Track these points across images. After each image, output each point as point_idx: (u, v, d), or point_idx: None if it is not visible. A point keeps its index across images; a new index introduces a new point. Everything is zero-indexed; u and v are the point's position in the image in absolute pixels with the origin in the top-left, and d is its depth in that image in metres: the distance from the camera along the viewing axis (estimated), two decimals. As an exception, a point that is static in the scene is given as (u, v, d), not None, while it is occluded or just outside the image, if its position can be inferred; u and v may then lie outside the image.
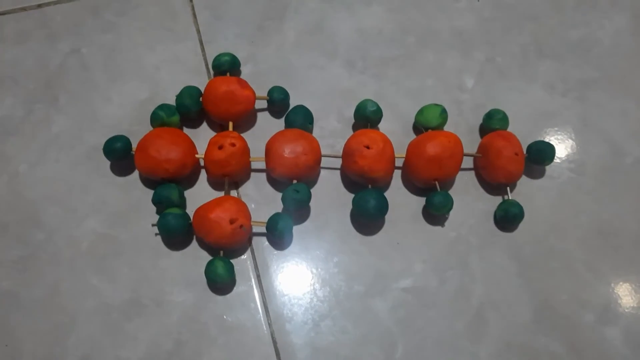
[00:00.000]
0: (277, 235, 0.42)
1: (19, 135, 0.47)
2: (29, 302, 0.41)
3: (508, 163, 0.43)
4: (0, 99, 0.48)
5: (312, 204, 0.44)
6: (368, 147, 0.42)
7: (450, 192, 0.45)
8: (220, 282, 0.41)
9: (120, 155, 0.43)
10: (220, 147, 0.42)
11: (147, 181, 0.45)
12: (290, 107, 0.47)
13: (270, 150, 0.43)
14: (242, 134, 0.45)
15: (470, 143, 0.47)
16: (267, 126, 0.47)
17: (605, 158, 0.47)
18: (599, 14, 0.53)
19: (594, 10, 0.53)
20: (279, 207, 0.44)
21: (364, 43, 0.51)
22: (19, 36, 0.50)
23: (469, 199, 0.45)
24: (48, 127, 0.47)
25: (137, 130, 0.46)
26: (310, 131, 0.47)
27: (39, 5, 0.52)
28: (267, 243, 0.44)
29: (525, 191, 0.46)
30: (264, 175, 0.46)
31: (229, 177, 0.44)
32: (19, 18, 0.51)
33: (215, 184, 0.45)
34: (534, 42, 0.51)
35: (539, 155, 0.44)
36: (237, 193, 0.45)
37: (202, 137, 0.46)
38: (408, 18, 0.52)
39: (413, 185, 0.45)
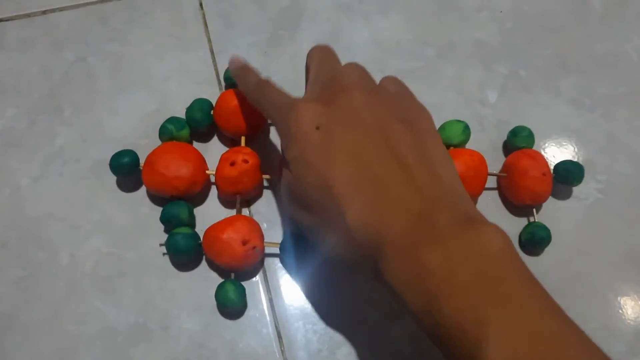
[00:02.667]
0: (291, 257, 0.40)
1: (21, 148, 0.45)
2: (29, 325, 0.39)
3: (535, 184, 0.41)
4: (2, 109, 0.46)
5: (327, 223, 0.41)
6: (388, 166, 0.40)
7: (473, 212, 0.43)
8: (231, 306, 0.38)
9: (127, 170, 0.41)
10: (232, 164, 0.40)
11: (155, 198, 0.43)
12: (305, 122, 0.45)
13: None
14: (254, 150, 0.43)
15: (494, 161, 0.45)
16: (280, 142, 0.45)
17: (635, 178, 0.45)
18: (626, 27, 0.51)
19: (620, 23, 0.51)
20: (292, 226, 0.42)
21: (381, 54, 0.49)
22: (22, 44, 0.48)
23: (493, 220, 0.43)
24: (52, 140, 0.45)
25: (144, 144, 0.44)
26: (326, 147, 0.44)
27: (44, 12, 0.50)
28: (280, 265, 0.42)
29: (550, 213, 0.44)
30: (277, 192, 0.44)
31: (240, 195, 0.41)
32: (22, 25, 0.49)
33: (226, 201, 0.43)
34: (559, 56, 0.49)
35: (567, 176, 0.42)
36: (249, 211, 0.43)
37: (212, 152, 0.44)
38: (428, 29, 0.50)
39: (434, 205, 0.43)
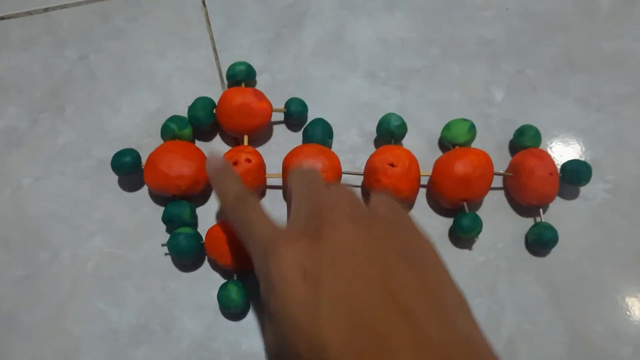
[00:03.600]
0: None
1: (23, 147, 0.44)
2: (31, 325, 0.39)
3: (542, 184, 0.40)
4: (4, 108, 0.46)
5: (331, 224, 0.41)
6: (393, 165, 0.39)
7: (479, 212, 0.43)
8: (234, 307, 0.38)
9: (129, 170, 0.41)
10: (235, 163, 0.40)
11: (157, 197, 0.43)
12: (309, 121, 0.44)
13: (287, 167, 0.41)
14: (257, 149, 0.43)
15: (500, 161, 0.44)
16: (283, 140, 0.45)
17: (643, 178, 0.44)
18: (634, 26, 0.50)
19: (628, 21, 0.50)
20: (296, 227, 0.41)
21: (386, 53, 0.48)
22: (24, 42, 0.48)
23: (499, 221, 0.43)
24: (54, 139, 0.45)
25: (147, 143, 0.44)
26: (330, 146, 0.44)
27: (46, 10, 0.49)
28: (283, 265, 0.41)
29: (557, 213, 0.43)
30: (280, 192, 0.43)
31: (243, 195, 0.41)
32: (24, 23, 0.49)
33: (229, 201, 0.43)
34: (566, 54, 0.49)
35: (575, 176, 0.41)
36: (252, 211, 0.43)
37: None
38: (433, 27, 0.50)
39: (439, 205, 0.43)
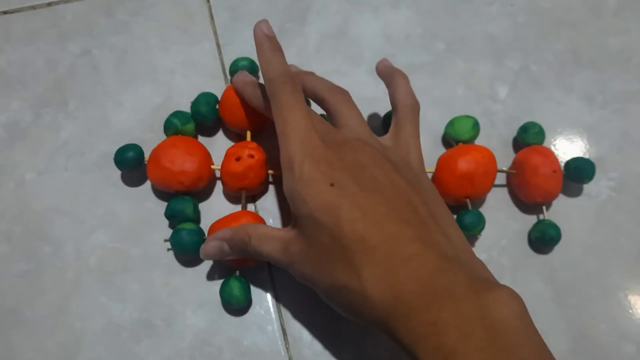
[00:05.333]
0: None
1: (26, 141, 0.44)
2: (34, 320, 0.39)
3: (545, 181, 0.40)
4: (7, 102, 0.45)
5: (334, 220, 0.41)
6: (396, 162, 0.39)
7: (482, 209, 0.42)
8: (236, 303, 0.38)
9: (132, 165, 0.41)
10: (238, 159, 0.40)
11: (159, 192, 0.43)
12: (312, 116, 0.44)
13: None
14: (260, 145, 0.43)
15: (503, 158, 0.44)
16: (287, 136, 0.45)
17: (648, 176, 0.44)
18: (641, 21, 0.50)
19: (635, 17, 0.50)
20: (298, 223, 0.41)
21: (390, 48, 0.48)
22: (27, 36, 0.48)
23: (502, 218, 0.43)
24: (56, 133, 0.45)
25: (150, 137, 0.44)
26: (333, 142, 0.44)
27: (49, 4, 0.49)
28: (285, 261, 0.41)
29: (561, 210, 0.43)
30: (281, 189, 0.43)
31: (246, 191, 0.41)
32: (27, 17, 0.49)
33: (231, 197, 0.43)
34: (571, 50, 0.48)
35: (578, 173, 0.41)
36: (255, 207, 0.43)
37: (218, 147, 0.44)
38: (438, 22, 0.49)
39: (442, 202, 0.43)
